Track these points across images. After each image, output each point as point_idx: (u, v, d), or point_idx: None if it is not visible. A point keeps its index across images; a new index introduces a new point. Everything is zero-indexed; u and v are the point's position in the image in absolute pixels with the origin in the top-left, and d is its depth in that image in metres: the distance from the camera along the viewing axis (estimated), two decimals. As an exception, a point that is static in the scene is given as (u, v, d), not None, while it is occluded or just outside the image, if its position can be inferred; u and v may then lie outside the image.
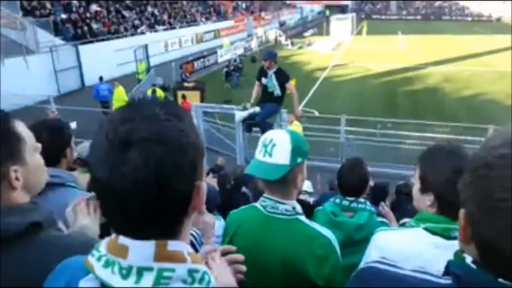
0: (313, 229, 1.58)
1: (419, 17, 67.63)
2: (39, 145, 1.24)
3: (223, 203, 3.67)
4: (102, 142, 0.72)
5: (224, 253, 1.16)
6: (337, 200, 2.28)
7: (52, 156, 1.82)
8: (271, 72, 7.04)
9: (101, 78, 14.42)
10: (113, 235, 0.77)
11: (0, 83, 12.33)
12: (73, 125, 16.90)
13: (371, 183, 3.25)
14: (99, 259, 0.76)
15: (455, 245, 1.33)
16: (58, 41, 18.43)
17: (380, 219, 2.26)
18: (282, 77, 7.06)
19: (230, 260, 1.13)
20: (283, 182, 1.54)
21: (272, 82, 7.07)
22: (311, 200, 4.81)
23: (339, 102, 17.14)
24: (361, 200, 2.27)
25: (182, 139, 0.74)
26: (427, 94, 18.80)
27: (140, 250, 0.74)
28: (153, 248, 0.74)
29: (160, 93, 14.24)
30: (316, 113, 15.52)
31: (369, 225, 2.10)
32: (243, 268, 1.14)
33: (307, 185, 6.86)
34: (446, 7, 71.17)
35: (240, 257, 1.14)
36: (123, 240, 0.75)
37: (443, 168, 1.40)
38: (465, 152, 1.41)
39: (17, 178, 1.12)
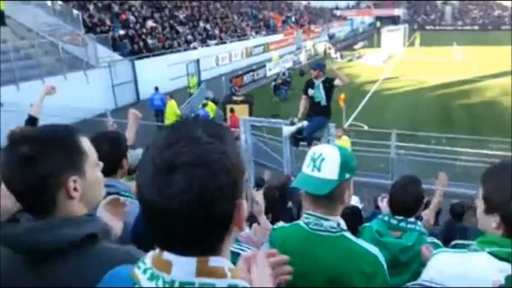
0: (360, 246, 1.55)
1: (476, 27, 64.87)
2: (101, 163, 1.28)
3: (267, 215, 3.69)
4: (148, 165, 0.77)
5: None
6: (385, 218, 2.24)
7: (110, 167, 1.91)
8: (318, 82, 7.03)
9: (156, 88, 15.15)
10: (158, 250, 0.82)
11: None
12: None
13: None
14: (145, 271, 0.82)
15: None
16: (116, 56, 19.37)
17: (430, 239, 2.20)
18: (329, 82, 7.00)
19: (274, 262, 1.10)
20: (330, 198, 1.52)
21: (319, 92, 7.03)
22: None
23: (390, 116, 16.75)
24: (411, 220, 2.21)
25: (224, 161, 0.76)
26: (485, 108, 17.98)
27: (183, 266, 0.78)
28: (195, 264, 0.78)
29: (211, 106, 14.59)
30: (366, 127, 15.28)
31: (417, 247, 2.05)
32: (288, 269, 1.13)
33: (355, 200, 6.77)
34: (506, 16, 67.84)
35: (285, 258, 1.12)
36: (167, 255, 0.79)
37: (509, 187, 1.33)
38: None
39: (75, 189, 1.15)
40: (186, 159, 0.74)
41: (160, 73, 20.29)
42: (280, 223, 1.81)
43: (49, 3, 19.96)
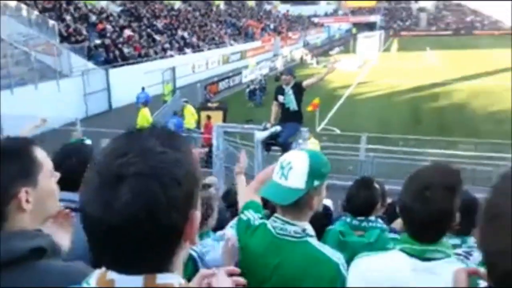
0: (322, 253, 1.54)
1: (449, 32, 66.42)
2: (57, 174, 1.23)
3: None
4: (94, 178, 0.72)
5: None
6: (348, 219, 2.30)
7: (75, 181, 1.88)
8: (288, 88, 7.11)
9: (143, 88, 15.91)
10: (104, 268, 0.76)
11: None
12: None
13: (389, 200, 3.18)
14: None
15: (431, 267, 1.36)
16: (90, 65, 19.20)
17: (392, 235, 2.25)
18: (298, 87, 7.03)
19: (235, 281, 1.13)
20: (297, 206, 1.51)
21: (289, 97, 7.09)
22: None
23: (362, 120, 17.01)
24: (372, 218, 2.27)
25: (176, 171, 0.72)
26: (454, 110, 18.43)
27: (128, 285, 0.72)
28: (141, 283, 0.72)
29: (189, 109, 14.59)
30: (338, 131, 15.49)
31: (380, 243, 2.11)
32: (243, 281, 1.16)
33: (328, 203, 6.83)
34: (479, 21, 69.66)
35: (242, 281, 1.13)
36: (111, 274, 0.74)
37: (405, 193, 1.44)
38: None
39: (27, 200, 1.08)
40: (135, 170, 0.70)
41: (135, 81, 20.11)
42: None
43: (24, 13, 19.80)
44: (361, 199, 2.27)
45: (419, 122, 16.73)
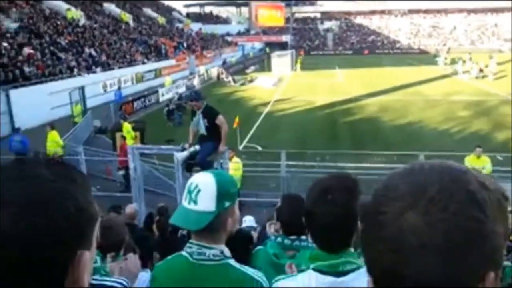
0: (244, 273, 1.54)
1: (350, 52, 71.44)
2: None
3: (164, 251, 3.51)
4: None
5: None
6: (279, 239, 2.26)
7: None
8: (199, 112, 6.87)
9: (17, 130, 13.68)
10: None
11: None
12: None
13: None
14: None
15: (346, 282, 1.36)
16: (-15, 86, 17.49)
17: None
18: (210, 115, 6.89)
19: None
20: (211, 229, 1.48)
21: (199, 123, 6.88)
22: (255, 235, 4.69)
23: (282, 136, 17.40)
24: (303, 237, 2.24)
25: (65, 203, 0.66)
26: (366, 124, 19.56)
27: None
28: None
29: (126, 127, 13.72)
30: (259, 148, 15.64)
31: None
32: None
33: (249, 220, 6.74)
34: (379, 41, 75.81)
35: None
36: None
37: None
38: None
39: None
40: (17, 196, 0.64)
41: (40, 102, 18.80)
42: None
43: None
44: (294, 217, 2.22)
45: (335, 136, 17.48)
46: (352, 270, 1.37)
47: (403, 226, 0.61)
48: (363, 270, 1.28)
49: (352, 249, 1.44)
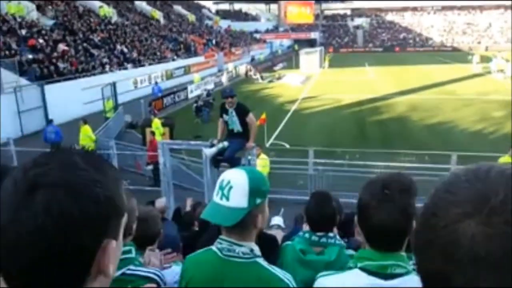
0: (272, 273, 1.53)
1: (380, 49, 70.12)
2: None
3: (186, 247, 3.55)
4: (8, 187, 0.67)
5: None
6: (306, 235, 2.25)
7: None
8: (231, 109, 6.97)
9: (50, 121, 14.20)
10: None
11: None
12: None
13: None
14: None
15: (393, 286, 1.32)
16: (23, 81, 18.08)
17: (349, 252, 2.24)
18: (242, 112, 6.98)
19: None
20: (242, 225, 1.49)
21: (232, 119, 6.98)
22: (281, 234, 4.68)
23: (310, 133, 17.26)
24: (331, 234, 2.24)
25: (95, 190, 0.68)
26: (395, 123, 19.17)
27: None
28: None
29: (156, 123, 14.06)
30: (287, 146, 15.59)
31: (339, 261, 2.08)
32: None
33: (278, 220, 6.73)
34: (410, 38, 74.22)
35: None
36: None
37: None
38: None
39: None
40: (51, 180, 0.66)
41: (73, 97, 19.33)
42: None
43: None
44: (323, 214, 2.24)
45: (363, 135, 17.22)
46: (401, 275, 1.36)
47: (459, 235, 0.58)
48: (412, 276, 1.36)
49: (403, 253, 1.43)
